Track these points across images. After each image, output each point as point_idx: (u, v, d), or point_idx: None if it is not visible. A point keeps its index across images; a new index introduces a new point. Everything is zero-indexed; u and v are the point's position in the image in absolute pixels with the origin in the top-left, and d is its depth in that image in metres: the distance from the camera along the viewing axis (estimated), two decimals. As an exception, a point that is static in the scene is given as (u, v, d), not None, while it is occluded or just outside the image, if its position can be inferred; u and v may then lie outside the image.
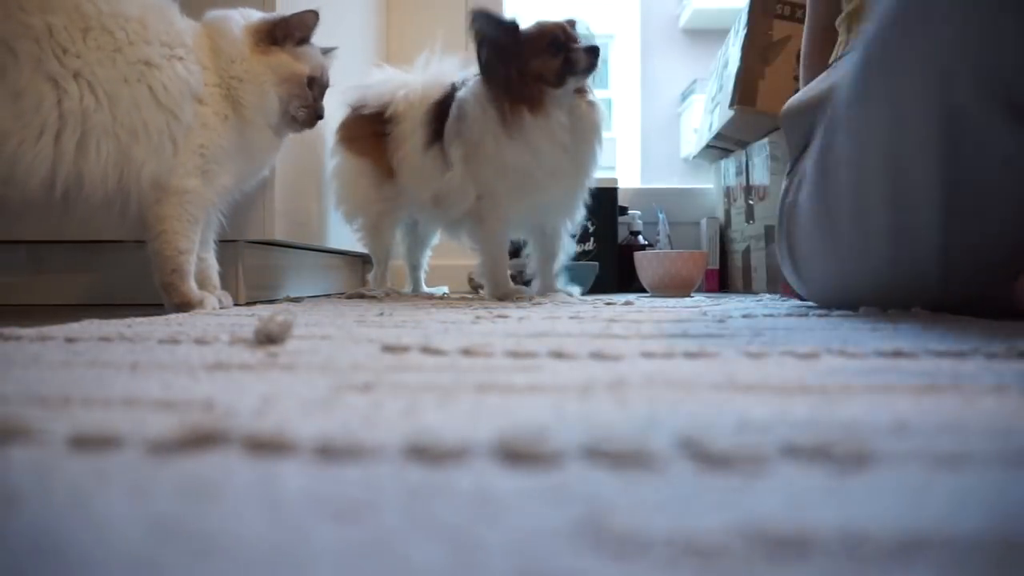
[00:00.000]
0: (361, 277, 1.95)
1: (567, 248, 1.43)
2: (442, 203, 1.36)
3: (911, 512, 0.21)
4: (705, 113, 2.11)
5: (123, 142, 0.92)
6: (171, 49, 0.97)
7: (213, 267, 1.10)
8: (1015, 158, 0.73)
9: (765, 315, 0.88)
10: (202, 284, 1.06)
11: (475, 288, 1.63)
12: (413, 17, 2.03)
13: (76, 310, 1.04)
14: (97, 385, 0.39)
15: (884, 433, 0.29)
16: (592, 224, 1.90)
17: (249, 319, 0.81)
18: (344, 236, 1.58)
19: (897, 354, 0.49)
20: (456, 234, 1.48)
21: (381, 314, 0.91)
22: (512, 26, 1.27)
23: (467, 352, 0.51)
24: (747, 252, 1.88)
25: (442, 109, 1.35)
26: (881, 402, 0.35)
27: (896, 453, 0.26)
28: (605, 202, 1.92)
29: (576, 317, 0.86)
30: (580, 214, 1.40)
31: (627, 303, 1.17)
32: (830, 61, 1.10)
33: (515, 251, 1.50)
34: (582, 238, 1.91)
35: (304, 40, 1.10)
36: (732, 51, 1.85)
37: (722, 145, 2.02)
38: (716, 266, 2.07)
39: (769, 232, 1.71)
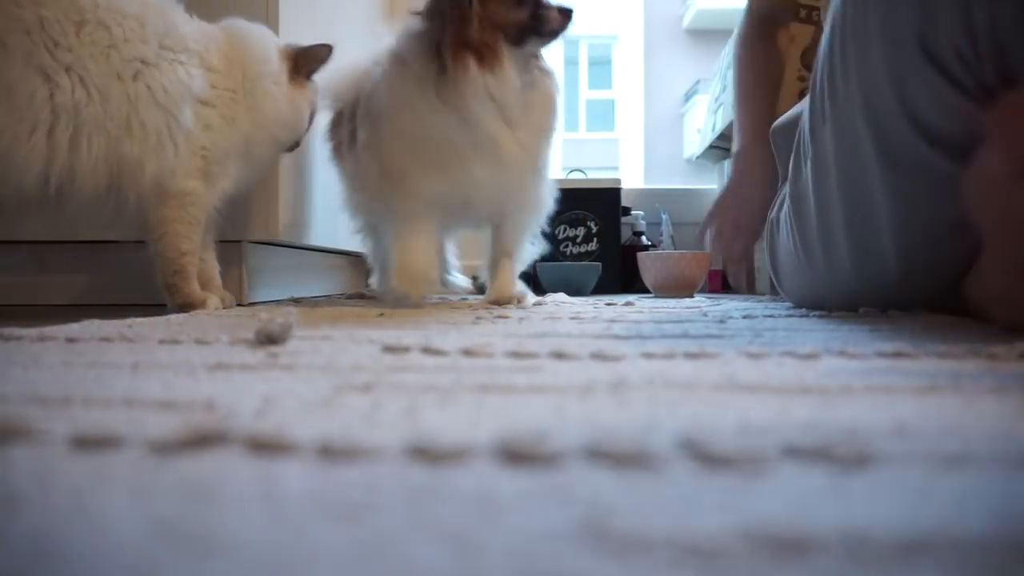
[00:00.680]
0: (363, 277, 1.95)
1: (527, 247, 1.21)
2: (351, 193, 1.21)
3: (912, 513, 0.21)
4: (708, 113, 2.10)
5: (113, 136, 0.92)
6: (172, 52, 0.97)
7: (214, 267, 1.11)
8: (942, 179, 0.74)
9: (766, 316, 0.88)
10: (204, 284, 1.06)
11: (479, 288, 1.58)
12: None
13: (77, 310, 1.04)
14: (98, 385, 0.39)
15: (885, 434, 0.29)
16: (595, 225, 1.90)
17: (250, 320, 0.81)
18: (345, 236, 1.58)
19: (898, 355, 0.49)
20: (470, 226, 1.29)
21: (381, 314, 0.91)
22: None
23: (468, 353, 0.51)
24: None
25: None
26: (882, 403, 0.35)
27: (897, 454, 0.26)
28: (608, 202, 1.92)
29: (577, 318, 0.86)
30: (542, 207, 1.17)
31: (628, 303, 1.17)
32: None
33: None
34: (585, 238, 1.92)
35: (315, 72, 1.14)
36: (734, 51, 1.85)
37: (725, 145, 2.01)
38: (719, 267, 2.07)
39: (771, 233, 1.71)
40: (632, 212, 2.09)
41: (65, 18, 0.88)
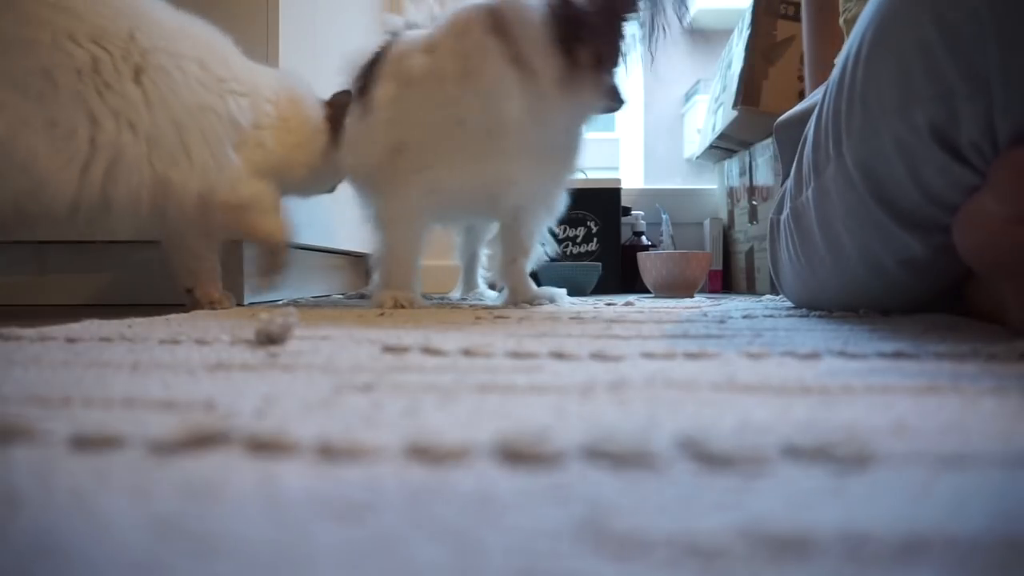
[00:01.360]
0: (364, 277, 1.95)
1: (540, 246, 1.18)
2: (348, 157, 1.10)
3: (912, 513, 0.21)
4: (708, 113, 2.10)
5: (158, 170, 0.91)
6: (233, 96, 0.98)
7: (216, 267, 1.11)
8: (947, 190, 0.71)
9: (766, 316, 0.88)
10: (204, 284, 1.07)
11: (491, 287, 1.54)
12: None
13: (77, 310, 1.04)
14: (98, 385, 0.39)
15: (885, 434, 0.29)
16: (595, 225, 1.90)
17: (250, 320, 0.81)
18: (345, 236, 1.58)
19: (898, 355, 0.49)
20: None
21: (381, 314, 0.91)
22: None
23: (468, 352, 0.51)
24: (750, 253, 1.88)
25: (374, 64, 1.09)
26: (882, 403, 0.35)
27: (897, 454, 0.26)
28: (608, 202, 1.92)
29: (577, 318, 0.86)
30: (559, 207, 1.15)
31: (628, 303, 1.17)
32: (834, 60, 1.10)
33: None
34: (585, 238, 1.92)
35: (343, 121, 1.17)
36: (736, 51, 1.85)
37: (725, 145, 2.01)
38: (719, 267, 2.07)
39: (771, 233, 1.71)
40: (632, 212, 2.09)
41: (123, 62, 0.86)
